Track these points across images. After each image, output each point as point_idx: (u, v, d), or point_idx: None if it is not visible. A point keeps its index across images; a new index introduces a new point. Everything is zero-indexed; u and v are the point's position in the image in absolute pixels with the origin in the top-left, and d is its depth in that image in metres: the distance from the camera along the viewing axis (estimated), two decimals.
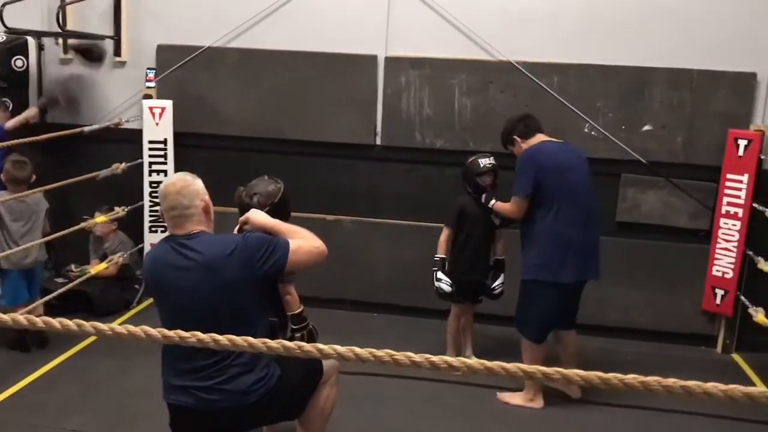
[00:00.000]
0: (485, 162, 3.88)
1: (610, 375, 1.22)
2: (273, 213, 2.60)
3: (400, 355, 1.24)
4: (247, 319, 2.27)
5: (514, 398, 3.71)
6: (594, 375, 1.22)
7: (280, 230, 2.41)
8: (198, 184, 2.41)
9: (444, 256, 3.95)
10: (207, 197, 2.42)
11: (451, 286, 3.87)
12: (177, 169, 4.54)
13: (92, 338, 4.30)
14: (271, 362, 2.39)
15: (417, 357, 1.24)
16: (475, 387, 3.85)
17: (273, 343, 1.25)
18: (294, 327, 2.79)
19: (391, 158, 4.89)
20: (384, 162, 4.91)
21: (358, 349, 1.25)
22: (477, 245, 3.95)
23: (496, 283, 3.98)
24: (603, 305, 4.64)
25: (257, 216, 2.46)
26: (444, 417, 3.58)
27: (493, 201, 3.81)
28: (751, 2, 4.47)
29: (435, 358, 1.25)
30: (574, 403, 3.75)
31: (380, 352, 1.24)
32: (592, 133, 4.64)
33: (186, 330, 2.01)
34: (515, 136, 3.64)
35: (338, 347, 1.25)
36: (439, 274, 3.91)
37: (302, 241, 2.37)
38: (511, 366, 1.24)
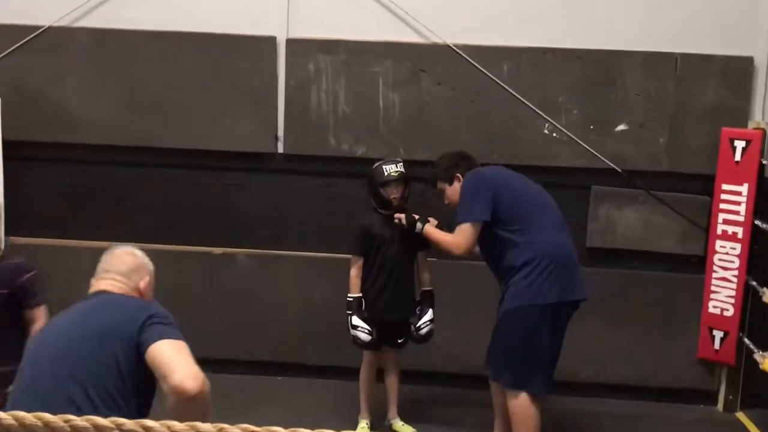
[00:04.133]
0: (391, 169, 3.95)
1: None
2: None
3: None
4: (117, 388, 2.26)
5: None
6: None
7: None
8: (150, 269, 2.65)
9: (358, 295, 4.01)
10: (147, 283, 2.61)
11: (370, 333, 3.95)
12: (8, 190, 4.63)
13: None
14: None
15: None
16: None
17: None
18: None
19: (297, 170, 4.82)
20: (289, 175, 4.84)
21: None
22: (392, 274, 4.00)
23: (423, 320, 4.02)
24: (574, 355, 4.50)
25: None
26: None
27: (420, 225, 3.86)
28: None
29: None
30: None
31: None
32: (554, 134, 4.66)
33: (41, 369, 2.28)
34: (458, 173, 3.77)
35: None
36: (355, 320, 3.97)
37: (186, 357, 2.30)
38: None
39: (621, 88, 4.61)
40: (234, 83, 4.76)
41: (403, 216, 3.92)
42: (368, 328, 3.95)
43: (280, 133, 4.79)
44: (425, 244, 3.99)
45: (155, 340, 2.24)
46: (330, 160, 4.77)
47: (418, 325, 4.02)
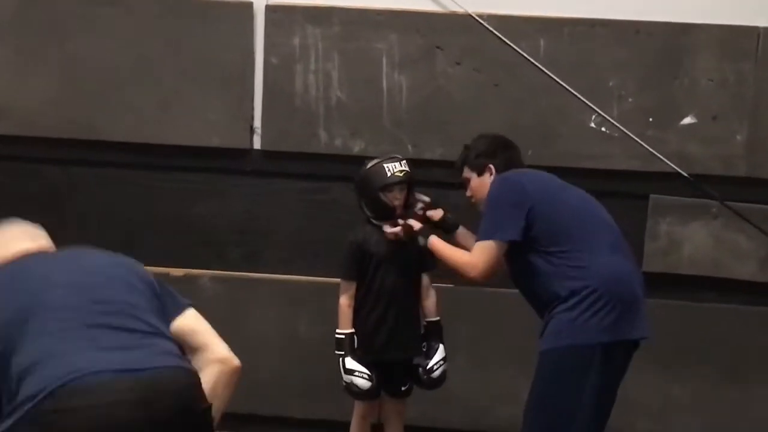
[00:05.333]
0: (394, 168, 3.82)
1: None
2: None
3: None
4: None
5: None
6: None
7: None
8: None
9: (350, 330, 3.89)
10: None
11: (370, 378, 3.84)
12: None
13: None
14: None
15: None
16: None
17: None
18: None
19: (278, 172, 4.73)
20: (267, 178, 4.75)
21: None
22: (392, 302, 3.88)
23: (434, 359, 3.89)
24: (626, 407, 4.26)
25: None
26: None
27: (423, 239, 3.72)
28: None
29: None
30: None
31: None
32: (603, 129, 4.51)
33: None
34: (491, 164, 3.68)
35: None
36: (350, 362, 3.84)
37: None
38: None
39: (689, 71, 4.46)
40: (199, 61, 4.62)
41: (398, 229, 3.75)
42: (367, 372, 3.80)
43: (257, 123, 4.70)
44: (430, 264, 3.89)
45: (186, 306, 2.65)
46: (320, 158, 4.65)
47: (429, 366, 3.87)
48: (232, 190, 4.74)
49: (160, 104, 4.67)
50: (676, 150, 4.47)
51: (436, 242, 3.66)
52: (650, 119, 4.49)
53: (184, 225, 4.75)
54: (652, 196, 4.54)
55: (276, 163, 4.68)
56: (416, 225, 3.75)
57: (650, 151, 4.45)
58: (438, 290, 4.02)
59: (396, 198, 3.80)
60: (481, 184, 3.65)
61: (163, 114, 4.67)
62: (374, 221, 3.87)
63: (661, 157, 4.45)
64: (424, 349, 3.94)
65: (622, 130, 4.46)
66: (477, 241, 3.49)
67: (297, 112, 4.61)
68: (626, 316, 3.39)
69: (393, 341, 3.88)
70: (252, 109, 4.67)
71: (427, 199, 3.90)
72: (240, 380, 4.77)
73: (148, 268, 4.60)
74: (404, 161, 3.86)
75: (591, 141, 4.47)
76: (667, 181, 4.50)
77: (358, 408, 3.99)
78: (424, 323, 3.98)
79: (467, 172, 3.71)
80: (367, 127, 4.60)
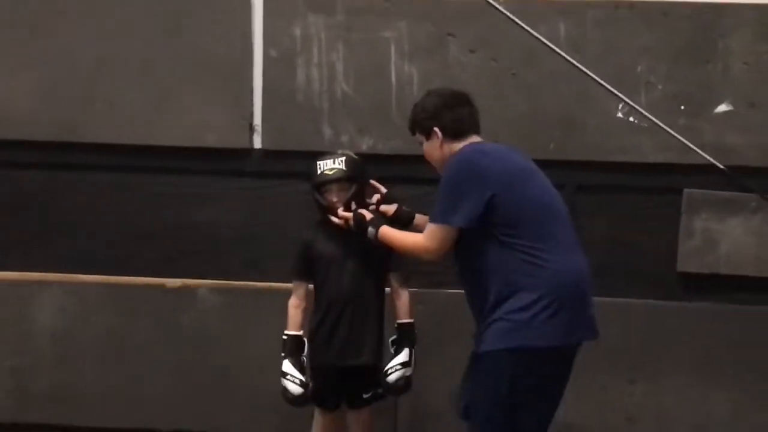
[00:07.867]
0: (325, 165, 3.91)
1: None
2: None
3: None
4: None
5: None
6: None
7: None
8: None
9: (296, 332, 3.98)
10: None
11: (303, 384, 3.92)
12: None
13: None
14: None
15: None
16: None
17: None
18: None
19: (281, 172, 4.69)
20: (268, 179, 4.73)
21: None
22: (348, 306, 3.92)
23: (393, 362, 3.91)
24: (660, 423, 4.52)
25: None
26: None
27: (372, 229, 3.74)
28: None
29: None
30: None
31: None
32: (631, 119, 4.48)
33: None
34: (437, 127, 3.64)
35: None
36: (285, 365, 3.92)
37: None
38: None
39: (723, 55, 4.42)
40: (193, 54, 4.59)
41: (349, 215, 3.80)
42: (301, 377, 3.86)
43: (257, 121, 4.67)
44: (397, 263, 3.93)
45: None
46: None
47: (385, 370, 3.89)
48: (231, 192, 4.69)
49: (151, 101, 4.59)
50: (711, 140, 4.40)
51: (385, 231, 3.70)
52: (682, 107, 4.44)
53: (179, 232, 4.68)
54: (686, 190, 4.48)
55: (278, 163, 4.63)
56: (367, 215, 3.78)
57: (683, 142, 4.30)
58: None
59: (333, 197, 3.85)
60: (431, 148, 3.63)
61: (155, 112, 4.60)
62: (324, 220, 3.94)
63: (695, 148, 4.30)
64: (393, 353, 3.96)
65: (652, 120, 4.32)
66: (430, 221, 3.52)
67: (299, 108, 4.56)
68: (578, 318, 3.46)
69: (349, 346, 3.89)
70: (251, 105, 4.62)
71: (383, 190, 3.94)
72: (244, 403, 4.72)
73: (142, 279, 4.67)
74: (344, 158, 3.91)
75: (618, 132, 4.42)
76: (701, 174, 4.42)
77: (316, 420, 4.05)
78: (395, 325, 3.99)
79: (418, 136, 3.69)
80: (376, 123, 4.55)
